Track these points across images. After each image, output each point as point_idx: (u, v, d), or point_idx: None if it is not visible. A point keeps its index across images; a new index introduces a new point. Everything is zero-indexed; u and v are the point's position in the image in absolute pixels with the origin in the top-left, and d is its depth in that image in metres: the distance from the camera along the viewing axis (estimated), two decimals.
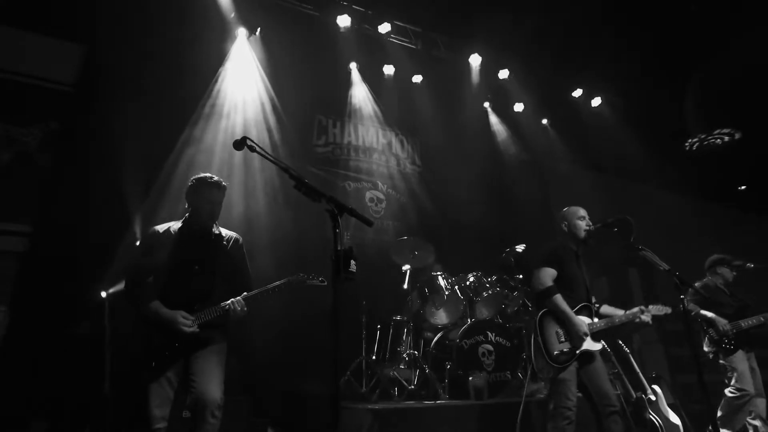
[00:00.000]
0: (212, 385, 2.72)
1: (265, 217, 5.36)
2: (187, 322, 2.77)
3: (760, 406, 4.39)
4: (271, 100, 5.90)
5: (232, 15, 5.64)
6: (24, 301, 4.19)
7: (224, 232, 3.07)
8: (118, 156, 4.64)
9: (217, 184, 2.96)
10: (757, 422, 4.36)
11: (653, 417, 4.84)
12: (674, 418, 4.88)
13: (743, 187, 9.63)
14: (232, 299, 2.85)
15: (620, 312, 3.58)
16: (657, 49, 6.78)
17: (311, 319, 4.94)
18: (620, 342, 5.47)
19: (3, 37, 4.81)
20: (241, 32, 5.82)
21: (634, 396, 4.99)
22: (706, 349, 4.70)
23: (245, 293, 2.90)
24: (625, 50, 6.74)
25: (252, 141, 2.25)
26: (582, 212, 3.68)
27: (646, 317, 3.49)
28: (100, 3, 4.66)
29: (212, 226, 3.01)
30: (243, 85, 5.79)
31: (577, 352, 3.35)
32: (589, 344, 3.37)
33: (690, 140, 7.72)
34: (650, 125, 7.73)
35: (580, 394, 3.59)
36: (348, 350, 4.66)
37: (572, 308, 3.39)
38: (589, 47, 6.68)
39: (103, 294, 4.27)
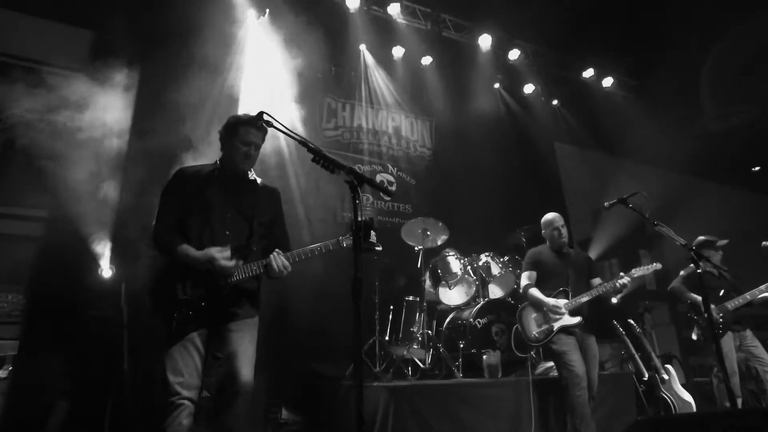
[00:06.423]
0: (245, 367, 2.39)
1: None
2: (226, 254, 2.41)
3: None
4: (279, 82, 5.86)
5: None
6: (42, 285, 4.24)
7: (262, 181, 2.77)
8: (129, 142, 4.65)
9: (254, 122, 2.52)
10: None
11: (666, 395, 4.86)
12: (687, 396, 4.89)
13: (757, 168, 9.50)
14: (273, 254, 2.50)
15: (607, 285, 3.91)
16: (670, 28, 6.64)
17: (325, 300, 4.99)
18: (633, 322, 5.47)
19: (10, 22, 4.81)
20: (250, 14, 5.78)
21: (647, 375, 5.01)
22: (694, 337, 4.70)
23: (278, 251, 2.54)
24: (638, 30, 6.62)
25: (269, 115, 2.24)
26: (556, 223, 4.11)
27: (625, 281, 3.80)
28: None
29: (248, 171, 2.69)
30: (252, 67, 5.74)
31: (555, 328, 3.85)
32: (567, 320, 3.87)
33: (704, 120, 7.59)
34: (662, 105, 7.62)
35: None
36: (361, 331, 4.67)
37: (551, 294, 3.94)
38: (600, 27, 6.57)
39: (111, 270, 4.31)
